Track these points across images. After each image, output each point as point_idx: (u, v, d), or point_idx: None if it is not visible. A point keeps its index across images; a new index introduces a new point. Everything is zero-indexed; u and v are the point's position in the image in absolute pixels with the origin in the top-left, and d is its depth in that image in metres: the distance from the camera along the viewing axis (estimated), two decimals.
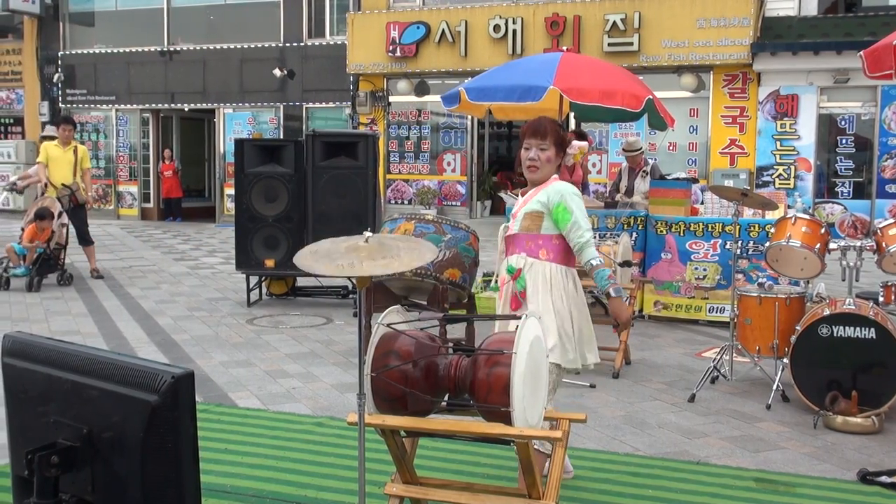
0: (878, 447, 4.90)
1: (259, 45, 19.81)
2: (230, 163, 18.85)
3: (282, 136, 19.22)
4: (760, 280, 6.85)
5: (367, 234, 3.06)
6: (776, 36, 15.26)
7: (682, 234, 8.33)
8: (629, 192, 9.60)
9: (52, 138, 11.73)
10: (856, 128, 15.32)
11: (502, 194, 4.51)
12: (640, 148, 9.84)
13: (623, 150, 10.07)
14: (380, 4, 17.81)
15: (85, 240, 10.97)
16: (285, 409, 5.49)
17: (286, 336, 7.73)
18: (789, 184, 15.30)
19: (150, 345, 7.28)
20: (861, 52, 6.57)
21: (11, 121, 22.68)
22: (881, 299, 5.79)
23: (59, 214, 10.37)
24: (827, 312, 5.40)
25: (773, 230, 6.15)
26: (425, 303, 6.07)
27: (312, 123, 19.55)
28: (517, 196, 4.21)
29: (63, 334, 7.41)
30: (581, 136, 9.57)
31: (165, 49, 20.72)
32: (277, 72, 19.37)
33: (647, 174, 9.57)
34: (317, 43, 19.43)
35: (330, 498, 4.00)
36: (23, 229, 10.44)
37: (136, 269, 12.15)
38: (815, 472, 4.48)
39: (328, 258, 2.97)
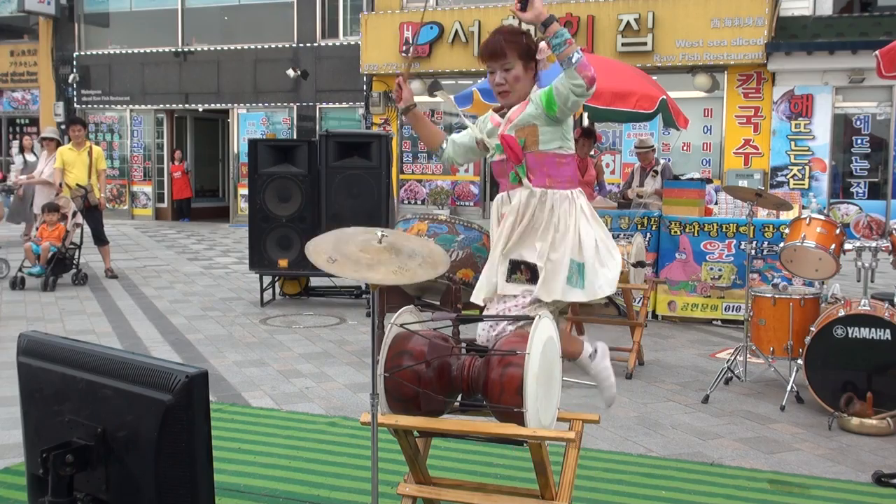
0: (894, 449, 4.86)
1: (273, 46, 19.86)
2: (244, 163, 18.92)
3: (295, 137, 19.28)
4: (775, 281, 6.82)
5: (382, 234, 3.05)
6: (791, 35, 15.19)
7: (696, 234, 8.31)
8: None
9: (50, 140, 11.80)
10: (871, 128, 15.24)
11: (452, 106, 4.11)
12: (652, 145, 9.84)
13: (635, 146, 10.09)
14: (393, 5, 17.83)
15: (100, 239, 11.04)
16: (298, 408, 5.50)
17: (299, 336, 7.74)
18: (804, 184, 15.23)
19: (164, 344, 7.31)
20: (876, 52, 6.55)
21: (27, 121, 22.81)
22: None
23: (74, 214, 10.43)
24: (842, 313, 5.37)
25: (787, 231, 6.12)
26: (438, 303, 6.07)
27: (326, 124, 19.59)
28: (470, 116, 3.73)
29: (78, 334, 7.45)
30: (589, 133, 9.57)
31: (180, 50, 20.80)
32: (291, 72, 19.42)
33: (657, 174, 9.56)
34: (330, 43, 19.46)
35: (343, 498, 4.01)
36: (36, 228, 10.52)
37: (150, 268, 12.21)
38: (829, 474, 4.45)
39: (352, 262, 2.96)
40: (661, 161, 10.04)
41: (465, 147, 3.98)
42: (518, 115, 3.65)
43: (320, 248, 3.03)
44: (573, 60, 3.41)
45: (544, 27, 3.44)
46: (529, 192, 3.63)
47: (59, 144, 11.70)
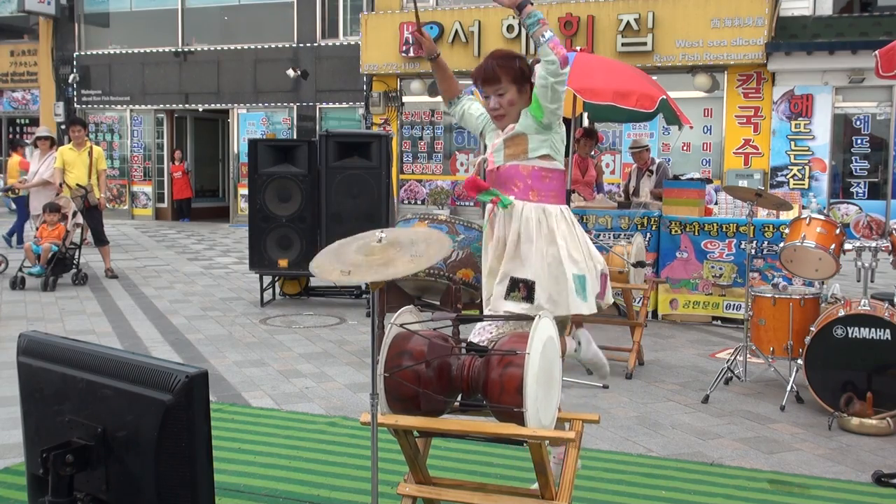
0: (894, 449, 4.86)
1: (273, 46, 19.87)
2: (244, 163, 18.92)
3: (295, 137, 19.28)
4: (775, 280, 6.82)
5: (381, 234, 3.06)
6: (791, 35, 15.19)
7: (696, 234, 8.31)
8: (636, 192, 9.60)
9: (45, 139, 11.87)
10: (871, 128, 15.24)
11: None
12: (645, 145, 9.85)
13: (629, 147, 10.11)
14: (393, 5, 17.83)
15: (100, 240, 11.04)
16: (298, 408, 5.50)
17: (299, 336, 7.74)
18: (804, 184, 15.23)
19: (164, 344, 7.31)
20: (876, 52, 6.55)
21: (27, 121, 22.81)
22: None
23: (74, 214, 10.44)
24: (842, 313, 5.37)
25: (787, 231, 6.12)
26: (438, 303, 6.07)
27: (326, 124, 19.59)
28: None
29: (78, 334, 7.45)
30: (591, 133, 9.58)
31: (180, 49, 20.81)
32: (291, 72, 19.42)
33: (652, 173, 9.56)
34: (330, 43, 19.47)
35: (343, 498, 4.01)
36: (37, 228, 10.52)
37: (150, 268, 12.20)
38: (829, 474, 4.45)
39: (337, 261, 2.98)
40: (658, 160, 10.05)
41: (472, 118, 4.08)
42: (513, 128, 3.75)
43: (327, 265, 3.02)
44: (545, 38, 3.54)
45: (519, 10, 3.59)
46: (519, 205, 3.71)
47: (52, 143, 11.71)
